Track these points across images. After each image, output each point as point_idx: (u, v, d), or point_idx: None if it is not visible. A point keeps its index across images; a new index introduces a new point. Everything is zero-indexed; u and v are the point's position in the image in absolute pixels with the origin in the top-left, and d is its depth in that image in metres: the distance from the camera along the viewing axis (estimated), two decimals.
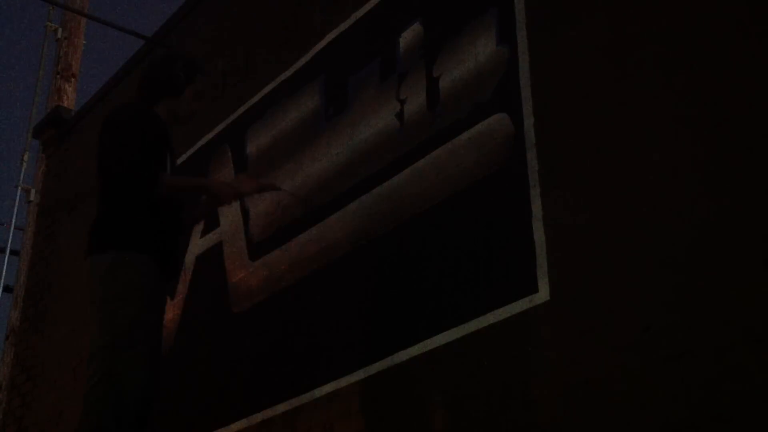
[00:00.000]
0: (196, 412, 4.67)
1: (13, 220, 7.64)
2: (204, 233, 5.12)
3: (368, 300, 3.93)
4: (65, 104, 7.97)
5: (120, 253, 3.44)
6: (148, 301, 3.43)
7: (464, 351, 3.41)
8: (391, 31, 4.23)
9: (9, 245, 7.96)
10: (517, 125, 3.48)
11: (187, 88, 3.84)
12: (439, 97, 3.88)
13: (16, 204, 7.62)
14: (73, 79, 8.23)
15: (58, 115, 7.65)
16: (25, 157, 7.80)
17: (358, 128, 4.24)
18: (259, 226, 4.72)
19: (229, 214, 4.94)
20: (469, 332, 3.39)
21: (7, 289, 7.84)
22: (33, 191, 7.61)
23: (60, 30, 8.36)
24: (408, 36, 4.16)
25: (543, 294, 3.19)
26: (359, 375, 3.78)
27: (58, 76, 8.18)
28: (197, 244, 5.14)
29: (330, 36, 4.64)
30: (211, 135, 5.38)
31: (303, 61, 4.77)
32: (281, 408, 4.12)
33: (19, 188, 7.67)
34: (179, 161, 5.66)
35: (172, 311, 5.16)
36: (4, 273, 7.87)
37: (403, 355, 3.62)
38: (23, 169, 7.72)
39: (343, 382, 3.84)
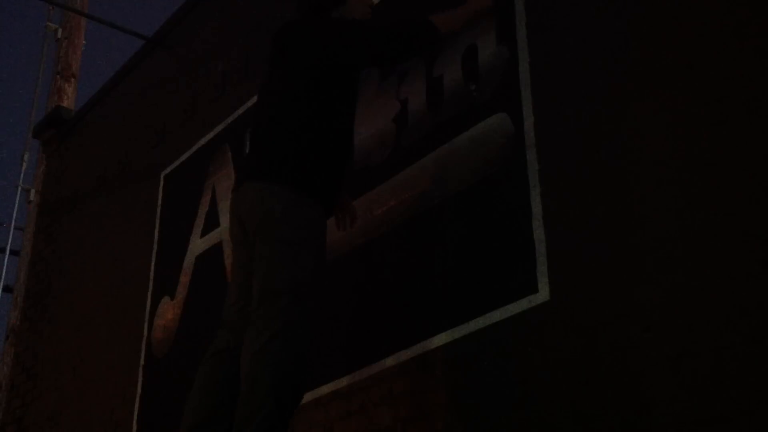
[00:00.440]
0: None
1: (13, 220, 7.65)
2: (204, 233, 5.12)
3: (368, 300, 3.93)
4: (65, 104, 7.98)
5: (304, 193, 3.18)
6: (322, 249, 3.21)
7: (464, 351, 3.41)
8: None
9: (9, 245, 7.97)
10: (517, 125, 3.48)
11: None
12: (439, 97, 3.88)
13: (16, 204, 7.63)
14: (73, 79, 8.23)
15: (58, 115, 7.65)
16: (25, 157, 7.80)
17: (359, 128, 4.24)
18: None
19: (229, 214, 4.94)
20: (469, 332, 3.39)
21: (7, 289, 7.84)
22: (33, 191, 7.61)
23: (60, 30, 8.36)
24: None
25: (543, 294, 3.18)
26: (359, 375, 3.78)
27: (58, 76, 8.18)
28: (197, 244, 5.14)
29: None
30: (211, 135, 5.38)
31: None
32: None
33: (19, 188, 7.67)
34: (179, 160, 5.67)
35: (172, 311, 5.17)
36: (4, 273, 7.88)
37: (403, 355, 3.62)
38: (23, 169, 7.73)
39: (343, 382, 3.84)
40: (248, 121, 5.06)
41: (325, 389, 3.91)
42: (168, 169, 5.74)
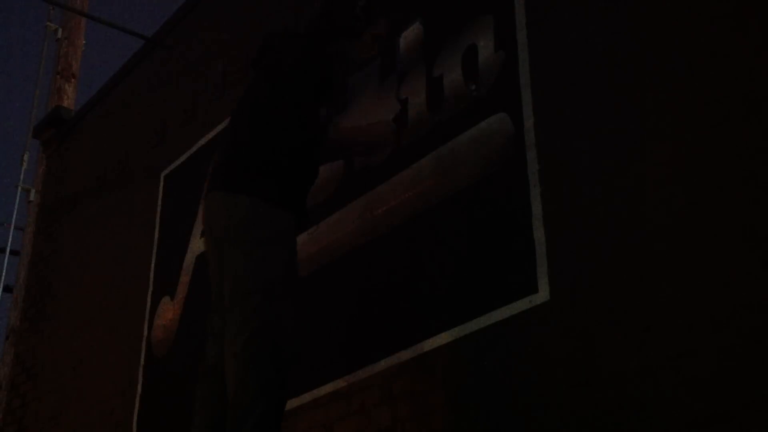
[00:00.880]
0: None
1: (13, 220, 7.64)
2: (204, 233, 5.12)
3: (368, 300, 3.93)
4: (65, 104, 7.97)
5: (268, 202, 3.18)
6: (294, 253, 3.18)
7: (464, 351, 3.41)
8: (391, 31, 4.23)
9: (9, 245, 7.96)
10: (517, 125, 3.48)
11: (365, 32, 3.57)
12: (439, 97, 3.88)
13: (16, 204, 7.63)
14: (73, 79, 8.23)
15: (58, 115, 7.65)
16: (25, 157, 7.79)
17: (359, 128, 4.24)
18: None
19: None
20: (469, 332, 3.39)
21: (7, 289, 7.84)
22: (33, 191, 7.61)
23: (60, 30, 8.36)
24: (408, 36, 4.16)
25: (543, 294, 3.18)
26: (359, 375, 3.78)
27: (58, 76, 8.18)
28: (197, 244, 5.14)
29: None
30: (211, 135, 5.38)
31: None
32: None
33: (19, 188, 7.67)
34: (179, 160, 5.67)
35: (172, 311, 5.17)
36: (4, 273, 7.87)
37: (402, 356, 3.62)
38: (23, 169, 7.72)
39: (344, 382, 3.84)
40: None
41: (325, 389, 3.91)
42: (168, 169, 5.74)
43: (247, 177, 3.25)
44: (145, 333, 5.32)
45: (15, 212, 7.62)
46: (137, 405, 5.16)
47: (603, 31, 3.33)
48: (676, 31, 3.09)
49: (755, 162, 2.75)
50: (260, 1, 5.50)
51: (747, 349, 2.62)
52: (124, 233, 6.04)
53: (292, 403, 4.06)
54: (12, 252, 7.95)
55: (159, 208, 5.67)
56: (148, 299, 5.40)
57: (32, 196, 7.59)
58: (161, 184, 5.74)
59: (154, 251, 5.55)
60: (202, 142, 5.46)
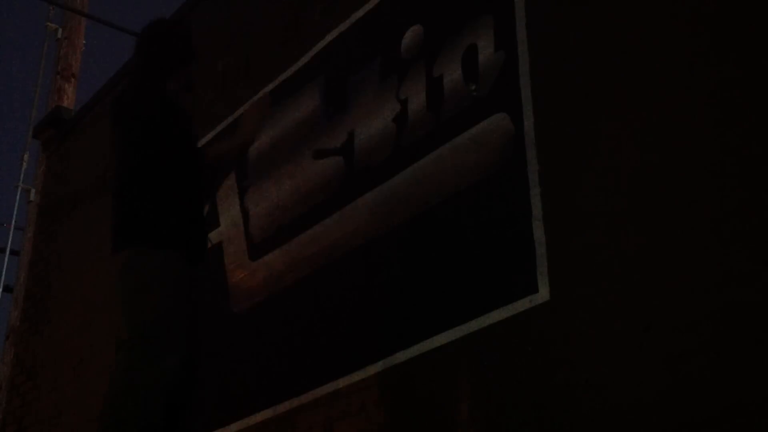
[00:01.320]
0: (195, 412, 4.66)
1: (13, 220, 7.64)
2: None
3: (368, 300, 3.93)
4: (65, 104, 7.97)
5: (141, 248, 3.29)
6: (173, 290, 3.28)
7: (464, 351, 3.41)
8: (391, 31, 4.23)
9: (9, 245, 7.96)
10: (517, 125, 3.48)
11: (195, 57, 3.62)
12: (439, 97, 3.88)
13: (16, 204, 7.63)
14: (73, 79, 8.23)
15: (58, 115, 7.65)
16: (25, 157, 7.80)
17: (358, 128, 4.25)
18: (259, 226, 4.72)
19: (229, 214, 4.94)
20: (469, 332, 3.39)
21: (7, 289, 7.84)
22: (33, 191, 7.61)
23: (60, 30, 8.35)
24: (408, 36, 4.16)
25: (543, 294, 3.19)
26: (359, 375, 3.78)
27: (58, 76, 8.18)
28: None
29: (330, 36, 4.64)
30: (211, 135, 5.38)
31: (303, 61, 4.77)
32: (281, 408, 4.12)
33: (19, 188, 7.67)
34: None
35: None
36: (4, 273, 7.88)
37: (403, 355, 3.62)
38: (23, 169, 7.72)
39: (343, 382, 3.84)
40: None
41: (325, 389, 3.91)
42: None
43: (126, 230, 3.36)
44: None
45: (15, 212, 7.63)
46: None
47: (603, 31, 3.33)
48: (676, 31, 3.09)
49: (755, 162, 2.75)
50: (260, 1, 5.50)
51: (747, 349, 2.62)
52: None
53: (292, 403, 4.07)
54: (12, 252, 7.95)
55: None
56: None
57: (32, 196, 7.59)
58: None
59: None
60: (202, 142, 5.45)
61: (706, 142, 2.89)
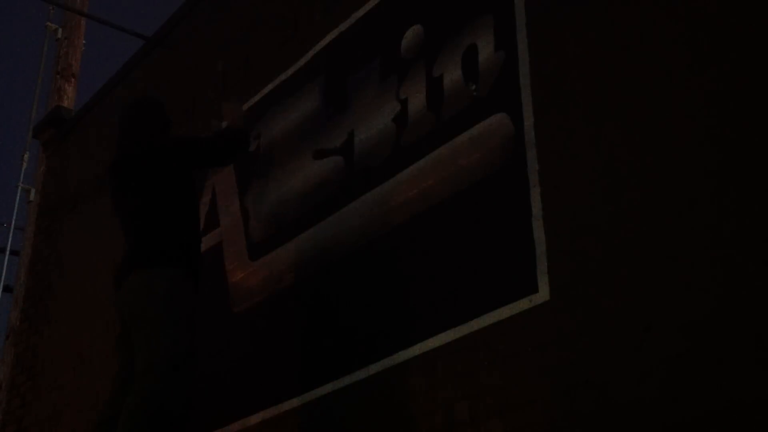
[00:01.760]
0: (195, 412, 4.66)
1: (13, 220, 7.64)
2: (204, 233, 5.12)
3: (368, 300, 3.93)
4: (65, 104, 7.97)
5: (171, 271, 3.69)
6: (191, 313, 3.69)
7: (464, 351, 3.41)
8: (391, 31, 4.23)
9: (9, 245, 7.96)
10: (517, 125, 3.48)
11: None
12: (439, 97, 3.88)
13: (16, 204, 7.63)
14: (73, 79, 8.22)
15: (58, 115, 7.65)
16: (25, 157, 7.80)
17: (358, 128, 4.25)
18: (259, 226, 4.72)
19: (229, 214, 4.94)
20: (469, 332, 3.39)
21: (7, 289, 7.84)
22: (33, 191, 7.61)
23: (60, 30, 8.35)
24: (408, 36, 4.16)
25: (543, 294, 3.18)
26: (359, 375, 3.78)
27: (58, 76, 8.17)
28: None
29: (330, 36, 4.64)
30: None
31: (303, 61, 4.77)
32: (281, 408, 4.12)
33: (19, 188, 7.67)
34: None
35: None
36: (4, 273, 7.88)
37: (403, 355, 3.62)
38: (23, 169, 7.72)
39: (343, 382, 3.84)
40: (248, 122, 5.05)
41: (325, 389, 3.91)
42: None
43: (149, 252, 3.77)
44: None
45: (15, 212, 7.62)
46: None
47: (603, 31, 3.33)
48: (676, 31, 3.09)
49: (755, 162, 2.75)
50: (260, 1, 5.50)
51: (746, 349, 2.62)
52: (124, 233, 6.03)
53: (291, 403, 4.07)
54: (12, 252, 7.95)
55: None
56: None
57: (32, 196, 7.59)
58: None
59: None
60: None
61: (706, 141, 2.89)
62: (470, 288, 3.47)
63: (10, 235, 7.75)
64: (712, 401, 2.66)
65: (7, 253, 7.98)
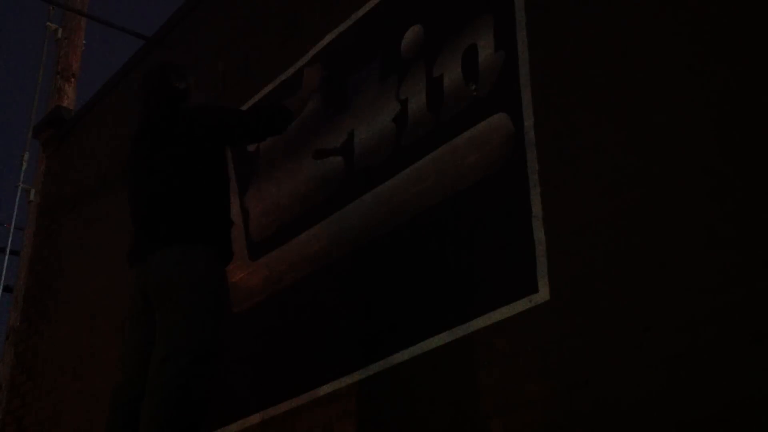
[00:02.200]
0: None
1: (13, 220, 7.64)
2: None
3: (368, 300, 3.93)
4: (65, 104, 7.96)
5: (211, 248, 3.52)
6: (224, 296, 3.59)
7: (464, 351, 3.41)
8: (391, 31, 4.23)
9: (9, 245, 7.96)
10: (517, 125, 3.48)
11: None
12: (439, 97, 3.88)
13: (16, 204, 7.62)
14: (73, 79, 8.22)
15: (58, 115, 7.65)
16: (25, 157, 7.79)
17: (358, 128, 4.25)
18: (259, 226, 4.72)
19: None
20: (469, 332, 3.39)
21: (7, 289, 7.83)
22: (33, 191, 7.61)
23: (60, 30, 8.34)
24: (408, 36, 4.16)
25: (543, 294, 3.19)
26: (359, 375, 3.78)
27: (58, 76, 8.17)
28: None
29: (330, 36, 4.64)
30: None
31: (303, 61, 4.77)
32: (281, 408, 4.12)
33: (19, 188, 7.66)
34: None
35: None
36: (4, 273, 7.87)
37: (402, 355, 3.62)
38: (23, 169, 7.71)
39: (343, 382, 3.84)
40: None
41: (325, 389, 3.91)
42: None
43: (189, 228, 3.57)
44: None
45: (15, 212, 7.62)
46: None
47: (603, 30, 3.33)
48: (676, 32, 3.09)
49: (755, 162, 2.75)
50: (260, 1, 5.50)
51: (747, 349, 2.62)
52: (124, 233, 6.03)
53: (292, 403, 4.07)
54: (12, 252, 7.95)
55: None
56: None
57: (32, 196, 7.59)
58: None
59: None
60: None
61: (706, 142, 2.89)
62: (470, 288, 3.47)
63: (10, 235, 7.75)
64: (712, 401, 2.66)
65: (7, 253, 7.98)
